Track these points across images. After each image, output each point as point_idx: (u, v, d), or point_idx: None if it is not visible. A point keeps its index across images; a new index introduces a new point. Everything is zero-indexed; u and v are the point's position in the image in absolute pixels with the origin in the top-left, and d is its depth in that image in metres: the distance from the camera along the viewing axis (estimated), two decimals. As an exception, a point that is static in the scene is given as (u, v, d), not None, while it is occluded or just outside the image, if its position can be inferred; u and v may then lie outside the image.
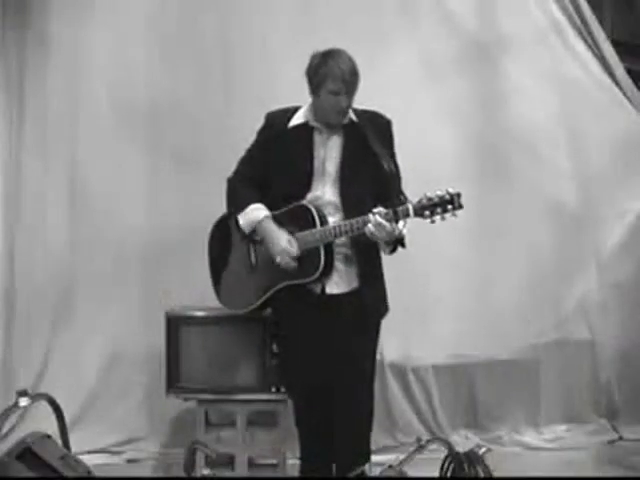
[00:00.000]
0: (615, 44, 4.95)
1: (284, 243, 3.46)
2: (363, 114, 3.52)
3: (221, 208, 4.52)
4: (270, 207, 3.55)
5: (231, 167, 4.50)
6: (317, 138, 3.50)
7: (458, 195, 3.19)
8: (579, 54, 4.87)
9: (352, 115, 3.50)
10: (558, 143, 4.83)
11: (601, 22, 4.96)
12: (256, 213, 3.54)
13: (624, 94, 4.90)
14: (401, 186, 3.44)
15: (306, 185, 3.46)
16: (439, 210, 3.19)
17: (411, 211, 3.22)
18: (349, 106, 3.45)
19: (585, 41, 4.88)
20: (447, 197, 3.18)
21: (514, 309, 4.72)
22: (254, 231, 3.57)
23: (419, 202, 3.22)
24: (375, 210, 3.25)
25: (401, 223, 3.27)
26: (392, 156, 3.48)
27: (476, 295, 4.71)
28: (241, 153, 4.49)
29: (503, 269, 4.74)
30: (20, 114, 4.61)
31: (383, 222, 3.23)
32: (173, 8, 4.63)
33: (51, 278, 4.58)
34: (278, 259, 3.47)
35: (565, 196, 4.83)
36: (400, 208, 3.24)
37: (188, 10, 4.63)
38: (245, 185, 3.62)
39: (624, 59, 4.95)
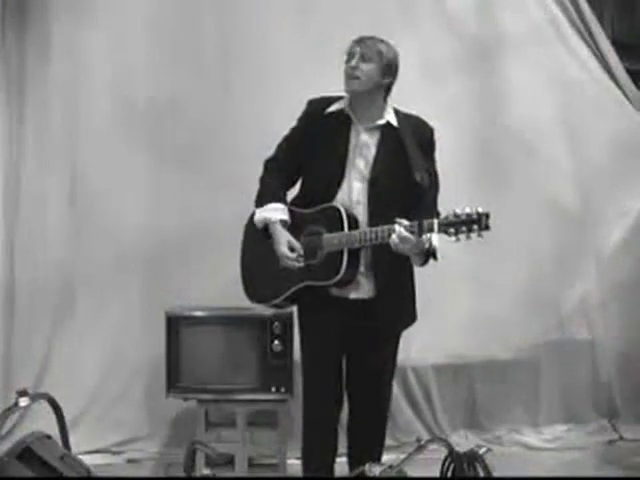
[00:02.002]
0: (615, 44, 4.95)
1: (283, 248, 3.43)
2: (405, 118, 3.47)
3: (221, 207, 4.55)
4: (303, 199, 3.52)
5: (230, 167, 4.54)
6: (351, 132, 3.45)
7: (486, 216, 3.10)
8: (579, 54, 4.87)
9: (393, 118, 3.45)
10: (558, 143, 4.83)
11: (601, 22, 4.95)
12: (271, 213, 3.50)
13: (624, 94, 4.90)
14: (436, 197, 3.40)
15: (338, 181, 3.42)
16: (464, 229, 3.10)
17: (435, 227, 3.14)
18: (364, 72, 3.38)
19: (585, 41, 4.88)
20: (474, 216, 3.09)
21: (514, 309, 4.72)
22: (265, 229, 3.53)
23: (445, 218, 3.14)
24: (398, 220, 3.20)
25: (435, 236, 3.19)
26: (431, 166, 3.43)
27: (476, 295, 4.71)
28: (240, 152, 4.53)
29: (503, 269, 4.74)
30: (20, 114, 4.61)
31: (408, 235, 3.18)
32: (173, 8, 4.63)
33: (51, 278, 4.58)
34: (282, 263, 3.45)
35: (565, 196, 4.84)
36: (425, 222, 3.16)
37: (187, 10, 4.63)
38: (275, 176, 3.57)
39: (624, 59, 4.95)
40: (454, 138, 4.63)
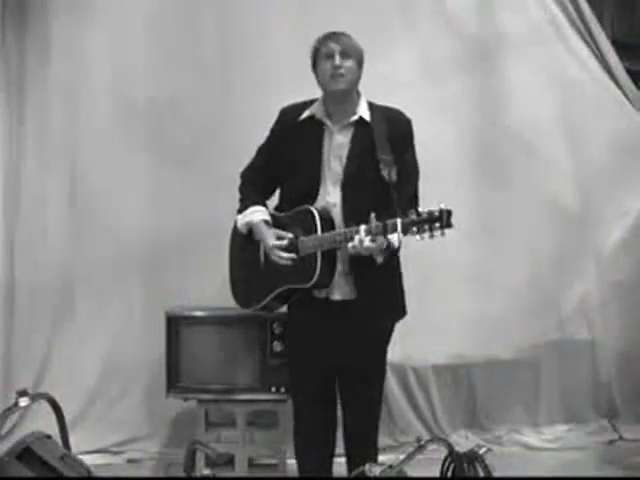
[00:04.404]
0: (615, 44, 4.95)
1: (272, 240, 3.46)
2: (380, 111, 3.45)
3: (220, 208, 4.55)
4: (283, 204, 3.56)
5: (231, 167, 4.53)
6: (325, 134, 3.46)
7: (448, 213, 3.06)
8: (579, 54, 4.87)
9: (366, 112, 3.45)
10: (558, 143, 4.83)
11: (601, 22, 4.95)
12: (252, 216, 3.56)
13: (624, 94, 4.90)
14: (412, 190, 3.41)
15: (315, 184, 3.44)
16: (426, 227, 3.06)
17: (399, 226, 3.11)
18: (351, 70, 3.38)
19: (585, 41, 4.88)
20: (436, 214, 3.06)
21: (514, 309, 4.72)
22: (251, 232, 3.59)
23: (408, 217, 3.10)
24: (363, 227, 3.19)
25: (396, 236, 3.19)
26: (410, 156, 3.44)
27: (476, 295, 4.70)
28: (240, 153, 4.52)
29: (503, 269, 4.74)
30: (20, 114, 4.61)
31: (366, 241, 3.17)
32: (173, 8, 4.63)
33: (51, 278, 4.57)
34: (272, 257, 3.47)
35: (565, 196, 4.83)
36: (389, 222, 3.14)
37: (188, 10, 4.63)
38: (252, 182, 3.64)
39: (624, 59, 4.95)
40: (454, 138, 4.64)
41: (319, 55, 3.43)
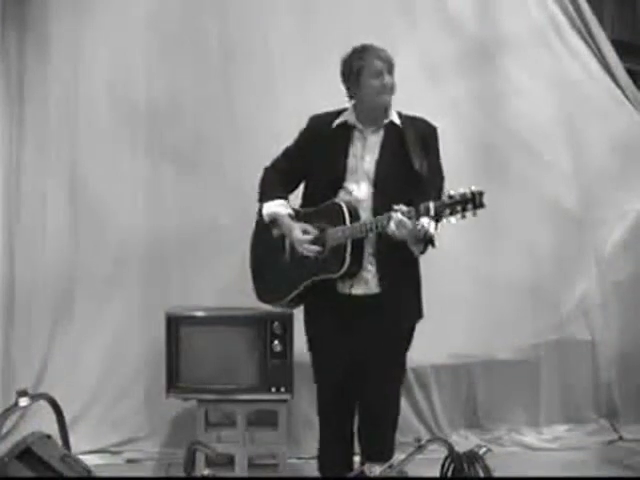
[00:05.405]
0: (615, 44, 4.95)
1: (298, 233, 3.51)
2: (408, 119, 3.55)
3: (220, 208, 4.55)
4: (307, 203, 3.61)
5: (231, 167, 4.54)
6: (356, 136, 3.53)
7: (480, 194, 3.15)
8: (579, 54, 4.87)
9: (396, 117, 3.54)
10: (558, 143, 4.83)
11: (601, 22, 4.96)
12: (279, 209, 3.58)
13: (624, 94, 4.90)
14: (441, 188, 3.45)
15: (339, 182, 3.50)
16: (459, 208, 3.15)
17: (432, 209, 3.18)
18: (394, 85, 3.48)
19: (585, 41, 4.88)
20: (469, 195, 3.15)
21: (514, 309, 4.72)
22: (273, 223, 3.60)
23: (440, 200, 3.19)
24: (396, 207, 3.25)
25: (427, 222, 3.24)
26: (434, 160, 3.50)
27: (476, 295, 4.70)
28: (241, 153, 4.52)
29: (503, 269, 4.74)
30: (20, 114, 4.60)
31: (404, 220, 3.23)
32: (173, 8, 4.63)
33: (51, 278, 4.57)
34: (300, 250, 3.51)
35: (565, 196, 4.84)
36: (422, 205, 3.21)
37: (188, 10, 4.63)
38: (276, 178, 3.66)
39: (624, 59, 4.95)
40: (455, 139, 4.62)
41: (364, 71, 3.48)
